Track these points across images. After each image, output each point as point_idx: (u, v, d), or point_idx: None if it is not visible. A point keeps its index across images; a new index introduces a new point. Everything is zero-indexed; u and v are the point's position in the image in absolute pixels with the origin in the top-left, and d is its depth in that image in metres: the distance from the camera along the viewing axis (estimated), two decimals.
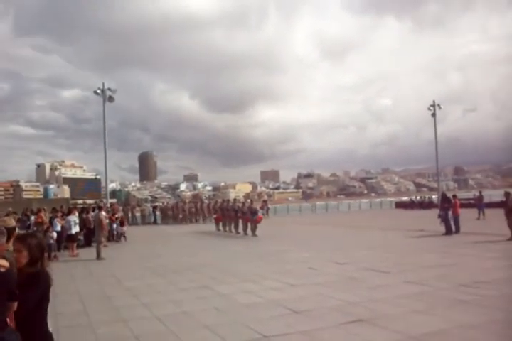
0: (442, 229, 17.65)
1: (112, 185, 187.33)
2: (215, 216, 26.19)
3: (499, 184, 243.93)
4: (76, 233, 16.67)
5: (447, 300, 7.25)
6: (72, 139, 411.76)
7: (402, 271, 9.97)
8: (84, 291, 9.41)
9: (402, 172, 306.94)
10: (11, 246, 3.50)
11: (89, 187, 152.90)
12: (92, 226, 17.45)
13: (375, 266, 10.78)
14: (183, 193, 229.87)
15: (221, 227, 24.22)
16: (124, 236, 21.29)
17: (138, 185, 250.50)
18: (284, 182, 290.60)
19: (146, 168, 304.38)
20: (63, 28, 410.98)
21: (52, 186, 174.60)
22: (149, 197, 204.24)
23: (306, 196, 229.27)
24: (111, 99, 29.33)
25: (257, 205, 27.31)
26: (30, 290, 3.20)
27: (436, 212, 20.19)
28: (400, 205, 49.19)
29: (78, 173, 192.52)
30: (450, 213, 17.73)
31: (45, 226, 15.69)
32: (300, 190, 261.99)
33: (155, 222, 34.60)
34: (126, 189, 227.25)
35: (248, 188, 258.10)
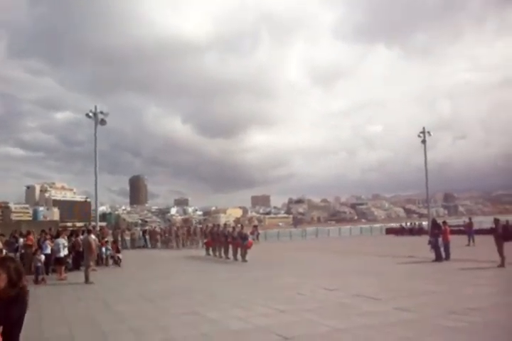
0: (432, 255, 17.69)
1: (102, 208, 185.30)
2: (205, 241, 26.03)
3: (489, 210, 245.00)
4: (65, 256, 16.47)
5: (436, 327, 7.25)
6: (62, 161, 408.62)
7: (392, 298, 9.96)
8: (72, 315, 9.28)
9: (393, 198, 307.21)
10: None
11: (79, 209, 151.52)
12: (81, 250, 17.27)
13: (364, 292, 10.76)
14: (174, 217, 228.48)
15: (211, 252, 24.05)
16: (118, 262, 20.24)
17: (128, 209, 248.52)
18: (275, 207, 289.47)
19: (136, 192, 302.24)
20: (57, 50, 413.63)
21: (41, 208, 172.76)
22: (139, 221, 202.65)
23: (297, 221, 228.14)
24: (103, 122, 29.39)
25: (248, 230, 27.25)
26: (10, 312, 3.21)
27: (426, 238, 20.29)
28: (390, 231, 49.34)
29: (68, 196, 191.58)
30: (440, 239, 17.81)
31: (33, 249, 15.54)
32: (291, 216, 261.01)
33: (145, 246, 34.33)
34: (116, 212, 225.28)
35: (239, 213, 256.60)
